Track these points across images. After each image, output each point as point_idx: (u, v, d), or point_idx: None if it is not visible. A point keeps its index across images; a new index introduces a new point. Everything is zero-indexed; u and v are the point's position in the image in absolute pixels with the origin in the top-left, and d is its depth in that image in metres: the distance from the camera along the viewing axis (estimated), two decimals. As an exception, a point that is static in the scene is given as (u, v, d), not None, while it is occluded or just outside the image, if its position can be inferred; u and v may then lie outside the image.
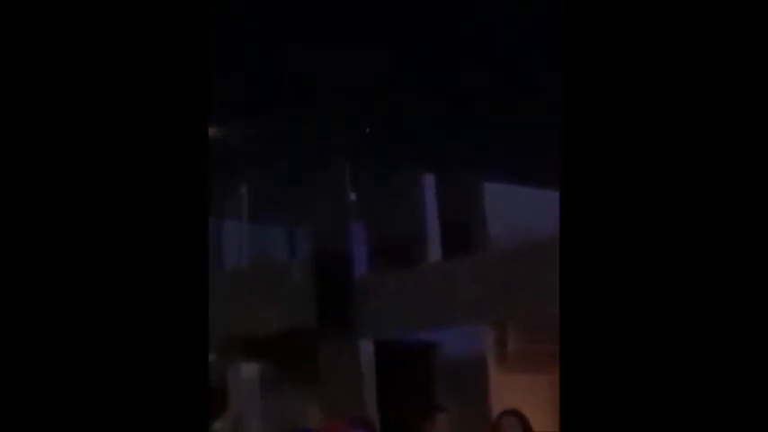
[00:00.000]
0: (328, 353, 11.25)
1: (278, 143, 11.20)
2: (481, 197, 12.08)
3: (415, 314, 10.89)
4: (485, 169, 12.08)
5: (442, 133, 11.02)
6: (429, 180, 12.26)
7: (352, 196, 11.80)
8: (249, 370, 12.38)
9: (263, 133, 10.94)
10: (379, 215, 11.79)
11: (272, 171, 11.70)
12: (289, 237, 13.60)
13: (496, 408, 8.54)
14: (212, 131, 10.36)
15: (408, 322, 11.00)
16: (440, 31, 9.06)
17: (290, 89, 9.95)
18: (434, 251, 12.22)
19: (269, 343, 11.65)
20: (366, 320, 11.21)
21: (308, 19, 8.78)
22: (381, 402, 10.79)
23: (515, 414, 6.26)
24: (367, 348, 11.19)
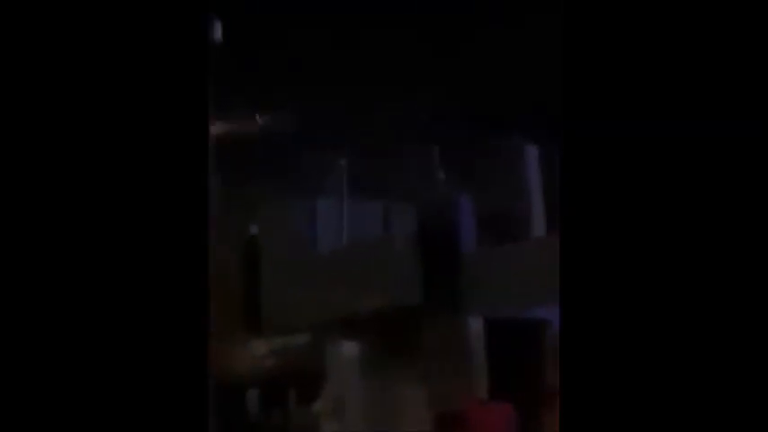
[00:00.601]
0: (434, 331, 10.95)
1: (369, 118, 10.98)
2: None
3: (525, 290, 10.51)
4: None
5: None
6: (533, 152, 11.86)
7: (442, 174, 11.51)
8: (350, 349, 12.14)
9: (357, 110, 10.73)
10: (484, 188, 11.44)
11: (367, 147, 11.48)
12: (389, 213, 13.31)
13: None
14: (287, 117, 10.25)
15: (518, 299, 10.63)
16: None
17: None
18: (539, 226, 11.82)
19: (371, 322, 11.41)
20: (473, 297, 10.86)
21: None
22: (492, 382, 10.45)
23: None
24: (475, 326, 10.84)
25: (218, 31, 7.58)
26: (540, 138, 11.09)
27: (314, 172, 11.99)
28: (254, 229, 13.19)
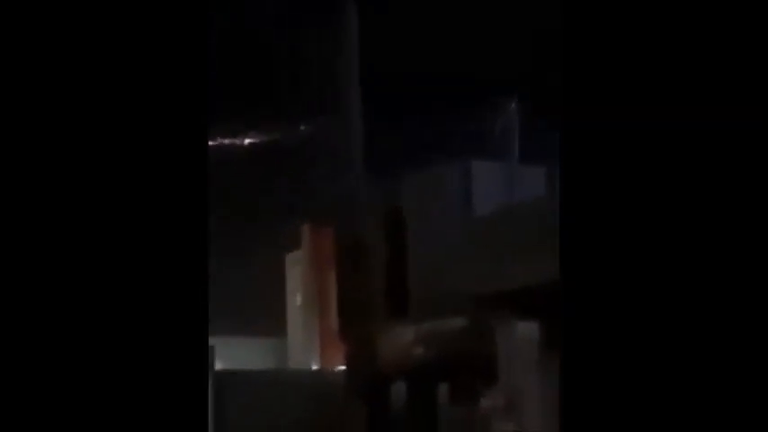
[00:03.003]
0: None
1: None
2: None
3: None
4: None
5: None
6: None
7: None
8: (526, 330, 10.20)
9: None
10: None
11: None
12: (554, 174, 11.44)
13: None
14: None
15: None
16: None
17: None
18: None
19: (547, 297, 9.51)
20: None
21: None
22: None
23: None
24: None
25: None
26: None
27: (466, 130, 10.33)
28: (397, 199, 11.56)
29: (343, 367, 7.05)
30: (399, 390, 8.57)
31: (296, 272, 9.49)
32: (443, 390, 7.76)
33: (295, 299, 9.57)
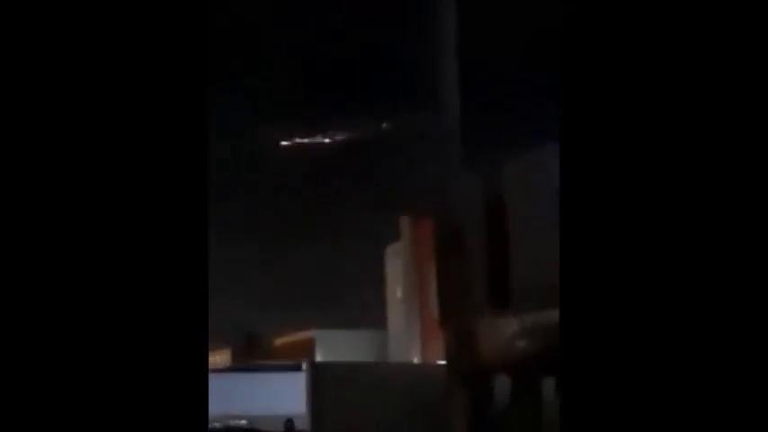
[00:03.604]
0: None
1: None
2: None
3: None
4: None
5: None
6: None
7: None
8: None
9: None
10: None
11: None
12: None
13: None
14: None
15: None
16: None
17: None
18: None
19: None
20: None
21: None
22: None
23: None
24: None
25: None
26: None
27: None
28: (497, 187, 11.37)
29: (444, 360, 7.00)
30: (502, 384, 8.29)
31: (396, 264, 9.60)
32: (549, 384, 7.40)
33: (395, 291, 9.68)
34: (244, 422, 15.94)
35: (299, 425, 13.36)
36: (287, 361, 24.12)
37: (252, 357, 29.19)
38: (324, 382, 9.87)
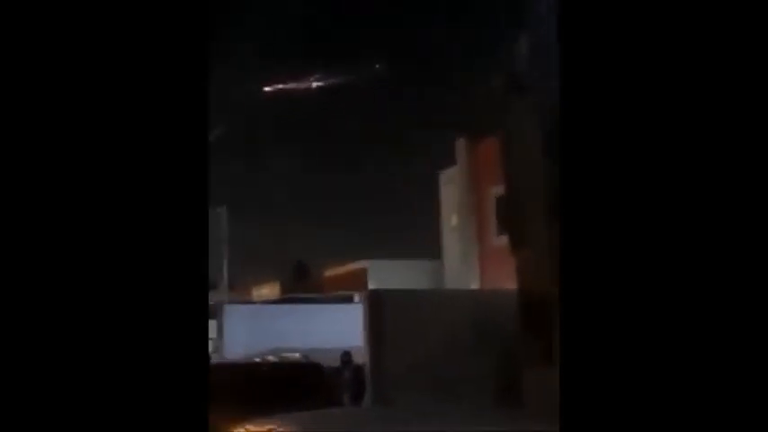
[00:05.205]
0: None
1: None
2: None
3: None
4: None
5: None
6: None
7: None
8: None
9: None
10: None
11: None
12: None
13: None
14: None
15: None
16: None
17: None
18: None
19: None
20: None
21: None
22: None
23: None
24: None
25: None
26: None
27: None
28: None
29: (502, 287, 6.39)
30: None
31: (450, 190, 8.61)
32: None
33: (450, 219, 8.70)
34: (297, 356, 15.41)
35: (356, 359, 12.77)
36: (338, 292, 23.63)
37: (301, 289, 28.81)
38: (382, 310, 9.21)
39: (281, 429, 5.16)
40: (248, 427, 5.58)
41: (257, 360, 11.01)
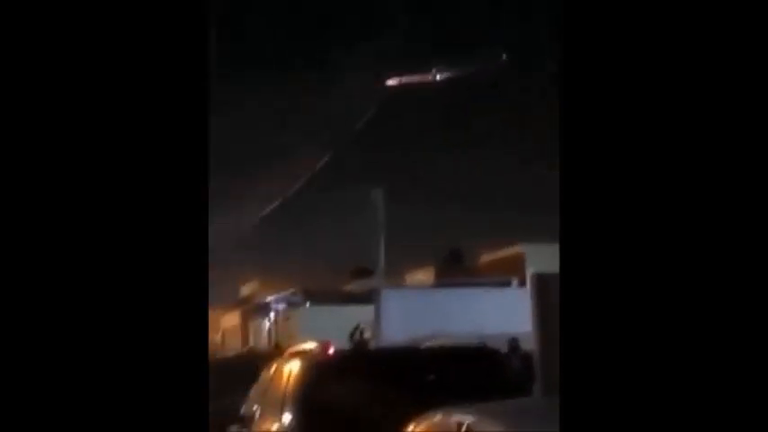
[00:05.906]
0: None
1: None
2: None
3: None
4: None
5: None
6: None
7: None
8: None
9: None
10: None
11: None
12: None
13: None
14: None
15: None
16: None
17: None
18: None
19: None
20: None
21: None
22: None
23: None
24: None
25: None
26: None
27: None
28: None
29: None
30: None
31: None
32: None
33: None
34: (467, 341, 15.05)
35: (523, 345, 12.43)
36: (494, 277, 23.30)
37: (456, 274, 28.59)
38: (550, 295, 8.86)
39: (480, 429, 4.81)
40: (435, 418, 5.28)
41: (428, 344, 10.75)
